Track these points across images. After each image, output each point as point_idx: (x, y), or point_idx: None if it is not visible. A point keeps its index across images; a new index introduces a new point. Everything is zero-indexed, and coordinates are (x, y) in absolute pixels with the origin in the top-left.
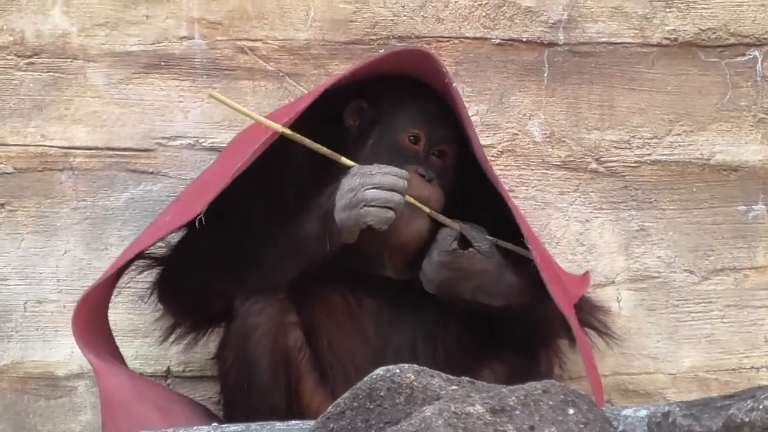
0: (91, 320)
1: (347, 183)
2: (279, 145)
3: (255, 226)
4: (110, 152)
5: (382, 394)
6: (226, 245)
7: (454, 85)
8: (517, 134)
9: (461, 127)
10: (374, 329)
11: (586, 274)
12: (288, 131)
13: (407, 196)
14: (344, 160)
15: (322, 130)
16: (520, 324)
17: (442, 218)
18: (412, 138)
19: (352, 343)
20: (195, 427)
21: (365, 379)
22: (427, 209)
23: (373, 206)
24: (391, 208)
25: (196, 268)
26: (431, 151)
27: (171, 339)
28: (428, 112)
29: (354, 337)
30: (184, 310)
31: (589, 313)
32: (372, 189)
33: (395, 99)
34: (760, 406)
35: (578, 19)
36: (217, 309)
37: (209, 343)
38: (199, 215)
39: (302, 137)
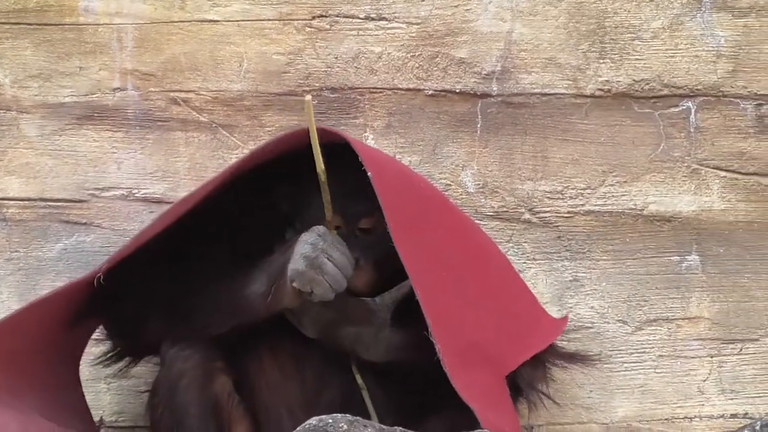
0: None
1: (310, 239)
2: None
3: (203, 270)
4: (43, 203)
5: None
6: (171, 283)
7: (363, 169)
8: (450, 185)
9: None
10: (309, 376)
11: (564, 318)
12: (322, 176)
13: None
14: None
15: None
16: None
17: None
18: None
19: (285, 390)
20: None
21: (299, 429)
22: None
23: (326, 280)
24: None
25: (137, 297)
26: (353, 230)
27: (104, 361)
28: (346, 188)
29: (287, 383)
30: (118, 334)
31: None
32: (330, 264)
33: (311, 180)
34: None
35: (512, 70)
36: (150, 343)
37: (142, 395)
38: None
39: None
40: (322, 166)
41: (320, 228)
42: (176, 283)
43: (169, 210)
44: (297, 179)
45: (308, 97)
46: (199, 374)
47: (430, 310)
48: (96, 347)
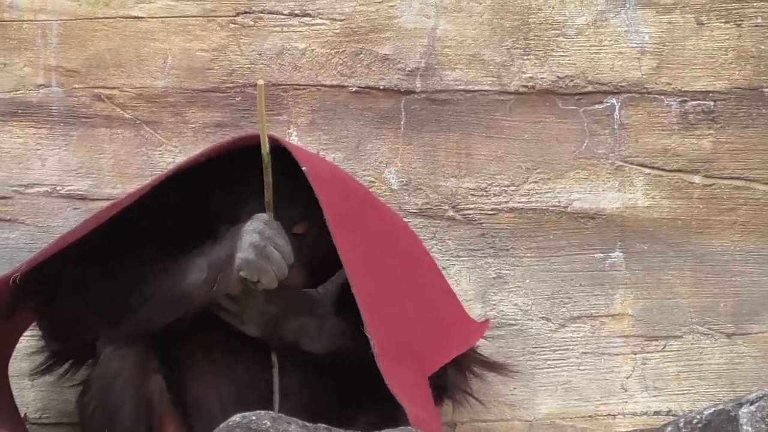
0: None
1: (257, 227)
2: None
3: (138, 267)
4: None
5: None
6: (106, 281)
7: (304, 169)
8: (374, 182)
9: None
10: (240, 371)
11: (485, 322)
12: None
13: None
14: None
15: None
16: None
17: None
18: None
19: (217, 386)
20: None
21: (221, 426)
22: None
23: (272, 270)
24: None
25: (72, 296)
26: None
27: (43, 370)
28: (278, 195)
29: (219, 379)
30: (56, 336)
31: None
32: (276, 252)
33: (244, 185)
34: None
35: (436, 66)
36: (87, 343)
37: (66, 391)
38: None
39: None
40: (268, 149)
41: (263, 216)
42: (111, 280)
43: (98, 213)
44: (230, 183)
45: (261, 82)
46: (134, 374)
47: (366, 307)
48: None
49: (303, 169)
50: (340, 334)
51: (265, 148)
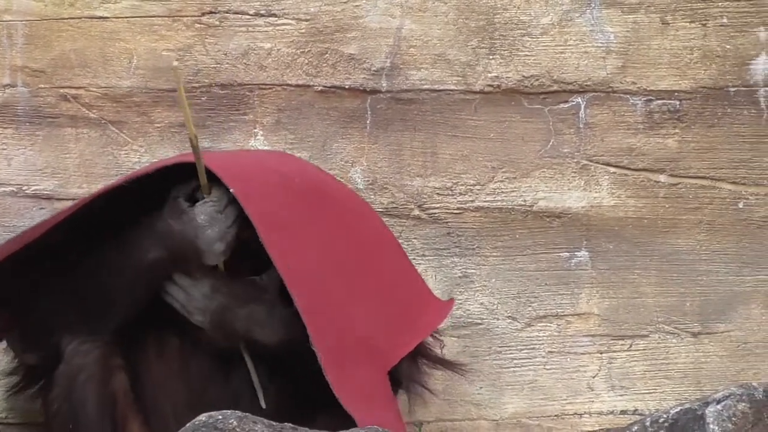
0: None
1: (210, 210)
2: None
3: (92, 262)
4: None
5: None
6: (63, 278)
7: (232, 190)
8: (340, 181)
9: None
10: (194, 373)
11: (450, 301)
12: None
13: None
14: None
15: None
16: None
17: None
18: None
19: (170, 388)
20: None
21: (188, 425)
22: None
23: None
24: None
25: (40, 298)
26: None
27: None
28: None
29: (172, 381)
30: (27, 345)
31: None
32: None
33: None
34: None
35: (401, 66)
36: (50, 344)
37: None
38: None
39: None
40: (194, 131)
41: (209, 200)
42: (71, 273)
43: (44, 221)
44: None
45: (175, 63)
46: (98, 370)
47: (307, 316)
48: None
49: (231, 190)
50: (290, 319)
51: (192, 131)
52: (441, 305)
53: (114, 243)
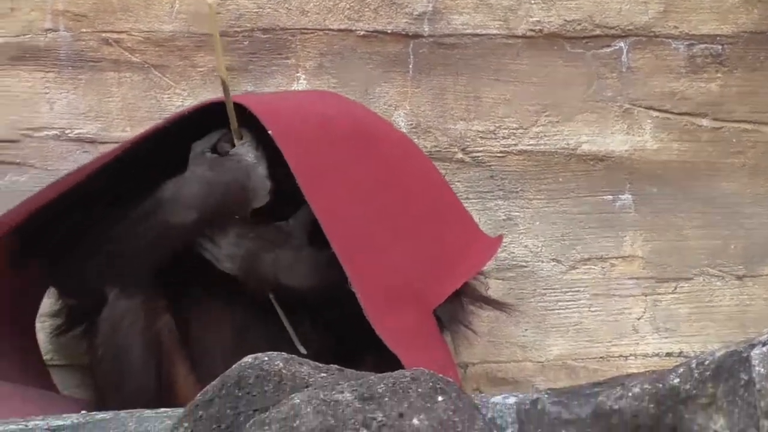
0: None
1: (253, 152)
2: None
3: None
4: None
5: (250, 381)
6: (103, 230)
7: (270, 132)
8: (386, 121)
9: None
10: (247, 320)
11: (499, 237)
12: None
13: None
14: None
15: None
16: None
17: None
18: None
19: (223, 332)
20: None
21: (234, 366)
22: None
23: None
24: None
25: (76, 246)
26: None
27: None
28: None
29: (225, 325)
30: (67, 291)
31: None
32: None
33: None
34: (629, 394)
35: (443, 11)
36: (93, 290)
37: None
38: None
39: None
40: (225, 71)
41: (245, 141)
42: (106, 223)
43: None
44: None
45: (211, 0)
46: (142, 313)
47: (347, 261)
48: None
49: (269, 132)
50: (320, 262)
51: (223, 71)
52: (489, 242)
53: (143, 200)
